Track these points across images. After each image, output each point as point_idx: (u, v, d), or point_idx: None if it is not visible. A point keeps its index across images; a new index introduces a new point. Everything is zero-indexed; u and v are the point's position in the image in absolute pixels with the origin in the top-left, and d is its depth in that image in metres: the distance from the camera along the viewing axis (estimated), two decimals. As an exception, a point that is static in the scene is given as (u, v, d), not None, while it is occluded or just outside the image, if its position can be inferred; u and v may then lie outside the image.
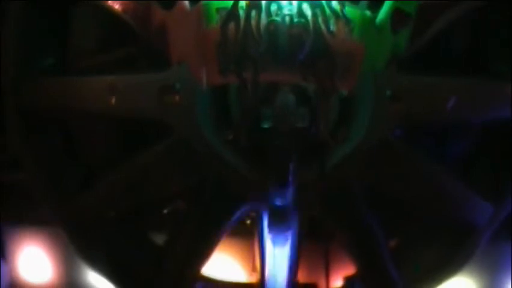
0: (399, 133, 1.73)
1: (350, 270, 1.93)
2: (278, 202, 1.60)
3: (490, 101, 1.76)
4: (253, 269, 1.93)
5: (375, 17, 1.64)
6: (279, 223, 1.65)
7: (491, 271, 2.13)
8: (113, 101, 1.69)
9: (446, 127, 1.82)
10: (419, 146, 1.78)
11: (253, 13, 1.54)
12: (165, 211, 1.90)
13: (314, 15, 1.54)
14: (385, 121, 1.67)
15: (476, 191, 1.81)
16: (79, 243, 1.88)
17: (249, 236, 1.92)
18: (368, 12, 1.63)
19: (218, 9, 1.57)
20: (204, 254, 1.82)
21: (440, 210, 1.83)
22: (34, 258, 2.14)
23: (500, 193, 1.84)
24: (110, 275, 1.90)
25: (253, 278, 1.97)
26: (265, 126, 1.57)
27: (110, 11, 1.73)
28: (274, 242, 1.72)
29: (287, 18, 1.54)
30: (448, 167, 1.81)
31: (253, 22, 1.53)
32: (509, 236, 2.03)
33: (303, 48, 1.52)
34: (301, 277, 1.95)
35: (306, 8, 1.55)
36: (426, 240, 1.89)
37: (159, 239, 1.91)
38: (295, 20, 1.54)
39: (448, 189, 1.79)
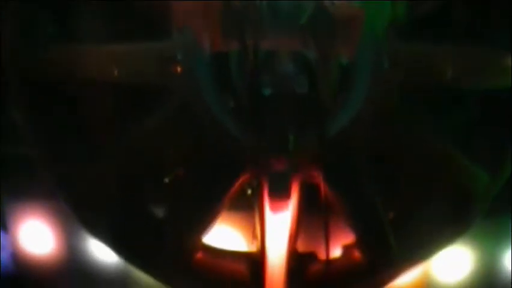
0: (399, 101, 1.74)
1: (348, 239, 1.95)
2: (278, 169, 1.62)
3: (487, 70, 1.77)
4: (253, 236, 1.95)
5: (375, -16, 1.66)
6: (279, 190, 1.66)
7: (490, 244, 2.15)
8: (114, 69, 1.70)
9: (444, 95, 1.84)
10: (418, 115, 1.79)
11: None
12: (166, 180, 1.92)
13: None
14: (384, 88, 1.69)
15: (474, 159, 1.83)
16: (81, 213, 1.89)
17: (249, 207, 1.95)
18: (368, -21, 1.65)
19: None
20: (204, 223, 1.84)
21: (439, 178, 1.85)
22: (36, 231, 2.16)
23: (498, 162, 1.86)
24: (112, 245, 1.92)
25: (253, 247, 1.99)
26: (266, 92, 1.58)
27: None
28: (274, 210, 1.74)
29: None
30: (446, 135, 1.82)
31: None
32: (508, 209, 2.05)
33: (303, 15, 1.53)
34: (301, 246, 1.97)
35: None
36: (424, 210, 1.91)
37: (160, 209, 1.94)
38: None
39: (447, 158, 1.81)
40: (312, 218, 1.92)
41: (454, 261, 2.14)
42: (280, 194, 1.68)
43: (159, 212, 1.92)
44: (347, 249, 1.94)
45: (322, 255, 1.96)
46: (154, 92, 1.74)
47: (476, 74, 1.77)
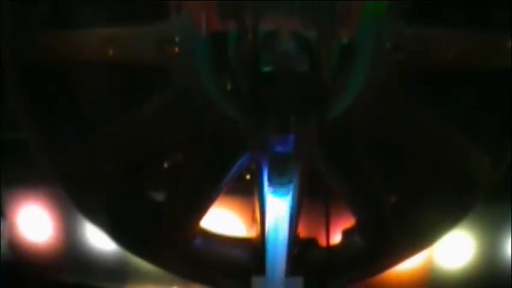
0: (400, 82, 1.73)
1: (349, 224, 1.94)
2: (279, 150, 1.59)
3: (488, 52, 1.75)
4: (253, 220, 1.93)
5: (376, -36, 1.64)
6: (279, 172, 1.63)
7: (491, 230, 2.14)
8: (111, 52, 1.69)
9: (445, 78, 1.82)
10: (419, 98, 1.78)
11: None
12: (165, 165, 1.90)
13: None
14: (385, 70, 1.67)
15: (476, 143, 1.81)
16: (78, 198, 1.88)
17: (248, 193, 1.93)
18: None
19: None
20: (203, 207, 1.82)
21: (440, 162, 1.83)
22: (34, 217, 2.14)
23: (500, 146, 1.84)
24: (110, 231, 1.90)
25: (253, 232, 1.97)
26: (266, 70, 1.55)
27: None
28: (274, 194, 1.71)
29: None
30: (448, 118, 1.80)
31: None
32: (508, 195, 2.04)
33: None
34: (301, 232, 1.96)
35: None
36: (426, 195, 1.89)
37: (158, 195, 1.92)
38: None
39: (448, 141, 1.79)
40: (312, 203, 1.91)
41: (455, 247, 2.13)
42: (281, 176, 1.64)
43: (157, 197, 1.91)
44: (347, 234, 1.93)
45: (323, 241, 1.97)
46: (152, 75, 1.72)
47: (477, 55, 1.74)
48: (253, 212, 1.91)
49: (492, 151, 1.84)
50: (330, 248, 1.83)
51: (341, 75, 1.66)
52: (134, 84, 1.80)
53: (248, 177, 1.92)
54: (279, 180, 1.66)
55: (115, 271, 2.13)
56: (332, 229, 1.93)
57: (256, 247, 1.88)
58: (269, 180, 1.68)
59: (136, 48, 1.70)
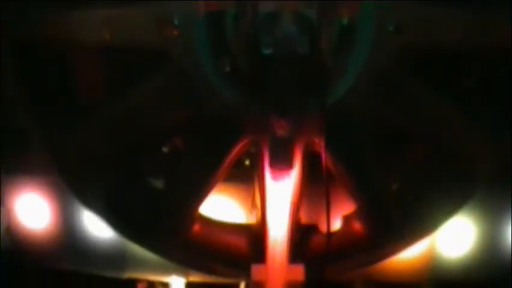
0: (401, 64, 1.70)
1: (350, 210, 1.92)
2: (279, 133, 1.56)
3: (489, 32, 1.73)
4: (253, 205, 1.91)
5: None
6: (280, 156, 1.61)
7: (491, 215, 2.12)
8: (108, 34, 1.66)
9: (446, 59, 1.80)
10: (421, 79, 1.75)
11: None
12: (164, 150, 1.88)
13: None
14: (386, 51, 1.65)
15: (477, 124, 1.79)
16: (76, 185, 1.86)
17: (248, 178, 1.91)
18: None
19: None
20: (202, 192, 1.80)
21: (441, 143, 1.81)
22: (31, 205, 2.12)
23: (500, 126, 1.82)
24: (108, 218, 1.88)
25: (253, 218, 1.95)
26: (266, 52, 1.53)
27: None
28: (275, 178, 1.69)
29: None
30: (449, 99, 1.79)
31: None
32: (509, 179, 2.02)
33: None
34: (302, 219, 1.93)
35: None
36: (427, 180, 1.87)
37: (156, 180, 1.90)
38: None
39: (450, 122, 1.77)
40: (313, 189, 1.89)
41: (457, 235, 2.11)
42: (281, 159, 1.62)
43: (155, 182, 1.89)
44: (348, 220, 1.91)
45: (323, 227, 1.94)
46: (149, 57, 1.70)
47: (478, 35, 1.72)
48: (253, 198, 1.90)
49: (495, 133, 1.81)
50: (330, 235, 1.81)
51: (342, 57, 1.64)
52: (131, 68, 1.78)
53: (247, 162, 1.90)
54: (279, 164, 1.63)
55: (113, 259, 2.10)
56: (332, 215, 1.92)
57: (256, 234, 1.86)
58: (270, 164, 1.65)
59: (134, 30, 1.67)
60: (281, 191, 1.72)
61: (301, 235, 1.91)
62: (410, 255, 2.08)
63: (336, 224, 1.92)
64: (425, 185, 1.87)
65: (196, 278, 2.16)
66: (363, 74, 1.66)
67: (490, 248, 2.13)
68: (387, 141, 1.86)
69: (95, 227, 2.10)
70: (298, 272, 1.83)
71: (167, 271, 2.13)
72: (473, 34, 1.71)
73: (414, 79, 1.73)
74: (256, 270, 1.82)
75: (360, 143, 1.76)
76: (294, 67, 1.52)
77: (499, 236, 2.13)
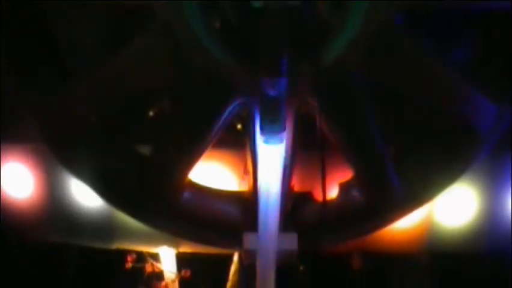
0: (400, 22, 1.63)
1: (346, 177, 1.85)
2: (270, 93, 1.49)
3: None
4: (245, 172, 1.84)
5: None
6: (271, 118, 1.53)
7: (491, 183, 2.06)
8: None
9: (451, 23, 1.73)
10: (419, 40, 1.68)
11: None
12: (150, 113, 1.81)
13: None
14: (384, 7, 1.57)
15: (481, 90, 1.73)
16: (62, 152, 1.79)
17: (240, 144, 1.84)
18: None
19: None
20: (193, 155, 1.73)
21: (441, 110, 1.74)
22: (16, 174, 2.05)
23: (506, 95, 1.75)
24: (95, 185, 1.81)
25: (244, 186, 1.88)
26: (256, 5, 1.45)
27: None
28: (267, 143, 1.62)
29: None
30: (450, 61, 1.72)
31: None
32: (509, 148, 1.97)
33: None
34: (296, 186, 1.87)
35: None
36: (427, 144, 1.80)
37: (144, 145, 1.83)
38: None
39: (450, 85, 1.70)
40: (307, 154, 1.82)
41: (456, 203, 2.05)
42: (272, 122, 1.54)
43: (143, 148, 1.82)
44: (344, 188, 1.85)
45: (318, 195, 1.88)
46: (138, 16, 1.63)
47: None
48: (245, 164, 1.83)
49: (498, 99, 1.74)
50: (326, 203, 1.74)
51: (337, 15, 1.56)
52: (119, 28, 1.71)
53: (239, 126, 1.83)
54: (271, 126, 1.55)
55: (101, 229, 2.04)
56: (328, 183, 1.84)
57: (248, 201, 1.80)
58: (261, 127, 1.57)
59: None
60: (273, 154, 1.65)
61: (295, 203, 1.85)
62: (407, 225, 2.03)
63: (332, 192, 1.87)
64: (424, 150, 1.81)
65: (186, 248, 2.11)
66: (360, 32, 1.58)
67: (489, 218, 2.08)
68: (386, 103, 1.79)
69: (82, 197, 2.04)
70: (291, 241, 1.78)
71: (157, 242, 2.08)
72: None
73: (415, 39, 1.66)
74: (248, 239, 1.77)
75: (358, 104, 1.69)
76: (286, 22, 1.44)
77: (499, 206, 2.08)
